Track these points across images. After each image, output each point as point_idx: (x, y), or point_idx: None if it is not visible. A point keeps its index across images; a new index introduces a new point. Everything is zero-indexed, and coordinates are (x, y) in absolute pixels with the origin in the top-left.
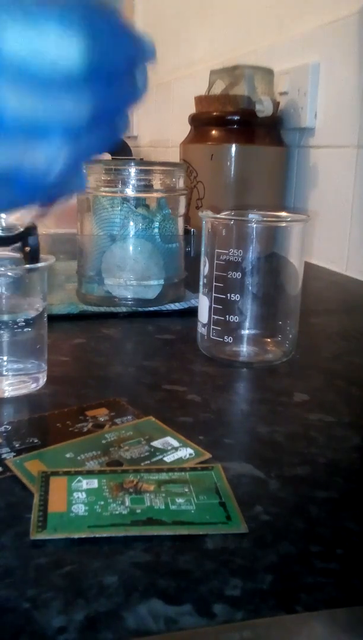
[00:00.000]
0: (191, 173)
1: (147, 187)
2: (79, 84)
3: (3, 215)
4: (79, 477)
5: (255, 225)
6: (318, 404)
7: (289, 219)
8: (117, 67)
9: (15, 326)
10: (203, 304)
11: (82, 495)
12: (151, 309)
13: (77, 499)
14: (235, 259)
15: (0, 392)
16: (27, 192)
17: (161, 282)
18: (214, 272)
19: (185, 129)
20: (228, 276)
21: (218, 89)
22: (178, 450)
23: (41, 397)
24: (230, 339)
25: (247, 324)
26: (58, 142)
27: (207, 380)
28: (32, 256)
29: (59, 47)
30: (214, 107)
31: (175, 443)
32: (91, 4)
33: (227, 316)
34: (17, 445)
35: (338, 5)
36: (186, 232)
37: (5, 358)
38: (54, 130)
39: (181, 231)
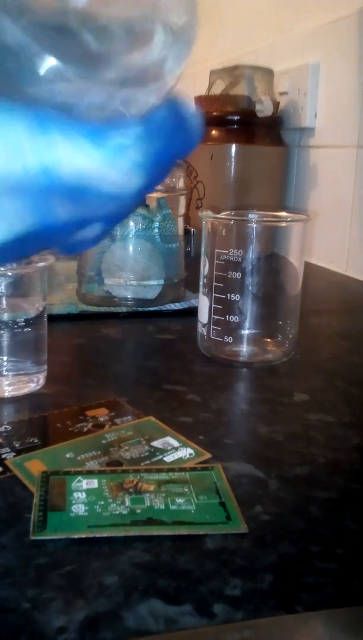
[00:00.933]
0: (191, 173)
1: None
2: (134, 193)
3: None
4: (79, 477)
5: (255, 225)
6: (318, 404)
7: (289, 219)
8: (169, 169)
9: (15, 326)
10: (203, 304)
11: (82, 495)
12: (151, 309)
13: (77, 499)
14: (235, 259)
15: (0, 392)
16: (67, 252)
17: (161, 282)
18: (214, 272)
19: None
20: (228, 276)
21: (218, 89)
22: (178, 450)
23: (41, 397)
24: (230, 339)
25: (247, 324)
26: (100, 227)
27: (207, 380)
28: None
29: (116, 179)
30: (214, 107)
31: (175, 443)
32: (157, 118)
33: (227, 316)
34: (17, 445)
35: (338, 5)
36: (186, 232)
37: (5, 358)
38: (98, 220)
39: (181, 231)
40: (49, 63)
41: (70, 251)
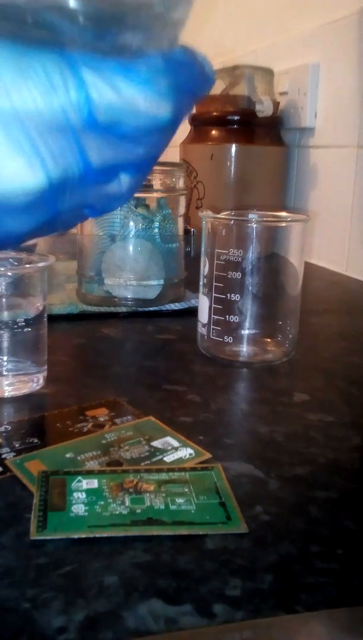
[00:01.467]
0: (191, 173)
1: (147, 187)
2: (159, 134)
3: None
4: (79, 477)
5: (255, 225)
6: (318, 404)
7: (289, 219)
8: (189, 107)
9: (15, 326)
10: (203, 304)
11: (82, 495)
12: (151, 309)
13: (77, 499)
14: (235, 259)
15: (1, 392)
16: (95, 215)
17: (161, 282)
18: (214, 272)
19: (185, 129)
20: (228, 276)
21: (218, 89)
22: (178, 450)
23: (41, 397)
24: (230, 339)
25: (247, 324)
26: (127, 180)
27: (207, 380)
28: None
29: (147, 108)
30: (214, 107)
31: (175, 443)
32: (177, 55)
33: (227, 316)
34: (17, 445)
35: (338, 5)
36: (186, 232)
37: (5, 358)
38: (126, 171)
39: (181, 231)
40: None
41: (100, 211)
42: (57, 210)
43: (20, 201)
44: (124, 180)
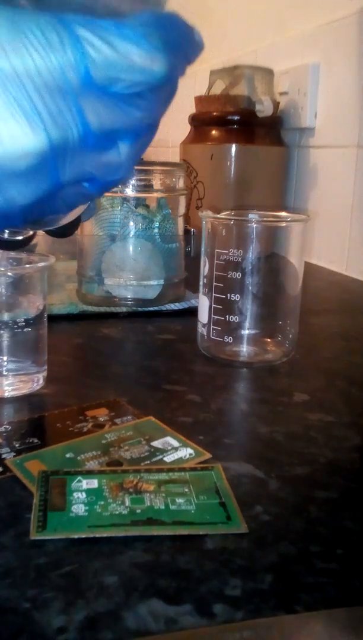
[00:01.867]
0: (191, 173)
1: (147, 187)
2: (153, 94)
3: None
4: (79, 477)
5: (255, 225)
6: (318, 404)
7: (289, 219)
8: (181, 71)
9: (15, 326)
10: (203, 304)
11: (82, 495)
12: (151, 309)
13: (77, 499)
14: (235, 259)
15: (0, 392)
16: (97, 191)
17: (161, 282)
18: (214, 272)
19: (185, 129)
20: (228, 276)
21: (218, 89)
22: (178, 450)
23: (41, 397)
24: (230, 339)
25: (247, 324)
26: (126, 149)
27: (207, 380)
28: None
29: (143, 63)
30: (214, 107)
31: (175, 443)
32: (166, 17)
33: (227, 316)
34: (17, 445)
35: (338, 5)
36: (186, 232)
37: (5, 358)
38: (125, 137)
39: (181, 231)
40: None
41: (100, 184)
42: (58, 179)
43: (21, 164)
44: (123, 149)
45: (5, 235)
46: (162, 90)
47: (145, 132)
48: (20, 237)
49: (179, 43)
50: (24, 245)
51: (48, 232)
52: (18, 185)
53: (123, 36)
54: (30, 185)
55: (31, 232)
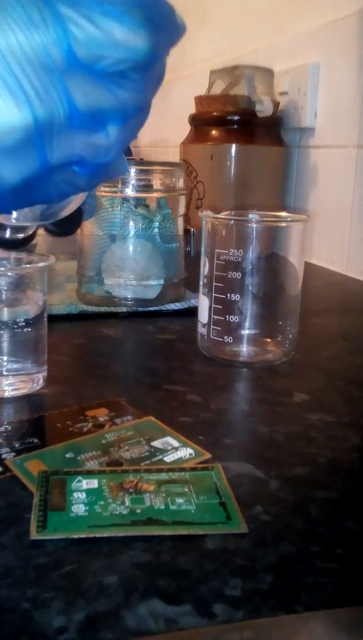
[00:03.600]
0: (191, 173)
1: (147, 187)
2: (139, 74)
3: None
4: (79, 477)
5: (255, 225)
6: (318, 404)
7: (289, 219)
8: (164, 52)
9: (15, 326)
10: (203, 304)
11: (82, 495)
12: (151, 309)
13: (77, 499)
14: (235, 259)
15: (0, 392)
16: (87, 177)
17: (161, 282)
18: (214, 272)
19: (185, 129)
20: (228, 276)
21: (218, 89)
22: (178, 450)
23: (41, 397)
24: (230, 339)
25: (247, 324)
26: (115, 131)
27: (207, 380)
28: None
29: (126, 39)
30: (214, 107)
31: (175, 443)
32: None
33: (227, 316)
34: (17, 445)
35: (338, 5)
36: (186, 232)
37: (5, 358)
38: (112, 120)
39: (181, 231)
40: None
41: (90, 167)
42: (46, 158)
43: (7, 140)
44: (112, 131)
45: (7, 235)
46: (148, 71)
47: (134, 114)
48: (21, 236)
49: (162, 22)
50: (24, 244)
51: (49, 232)
52: (6, 162)
53: (105, 13)
54: (19, 162)
55: (31, 232)
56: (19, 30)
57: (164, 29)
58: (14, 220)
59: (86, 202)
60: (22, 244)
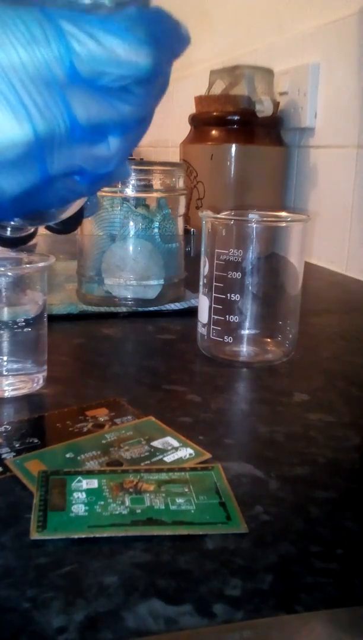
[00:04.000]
0: (191, 173)
1: (147, 187)
2: (141, 88)
3: None
4: (79, 477)
5: (255, 225)
6: (318, 404)
7: (289, 219)
8: (168, 64)
9: (15, 326)
10: (203, 304)
11: (82, 495)
12: (151, 309)
13: (77, 499)
14: (235, 259)
15: (0, 392)
16: (87, 185)
17: (161, 282)
18: (214, 272)
19: (185, 129)
20: (228, 276)
21: (218, 89)
22: (178, 450)
23: (41, 397)
24: (230, 339)
25: (247, 324)
26: (116, 142)
27: (207, 380)
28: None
29: (128, 56)
30: (214, 107)
31: (175, 443)
32: (150, 12)
33: (227, 316)
34: (17, 445)
35: (338, 5)
36: (186, 232)
37: (5, 358)
38: (114, 131)
39: (181, 231)
40: None
41: (91, 177)
42: (46, 170)
43: (8, 154)
44: (113, 143)
45: (8, 233)
46: (150, 84)
47: (135, 126)
48: (21, 235)
49: (165, 37)
50: (24, 242)
51: (49, 229)
52: (6, 175)
53: (108, 30)
54: (19, 176)
55: (32, 230)
56: (21, 46)
57: (168, 44)
58: (14, 221)
59: (88, 199)
60: (22, 242)
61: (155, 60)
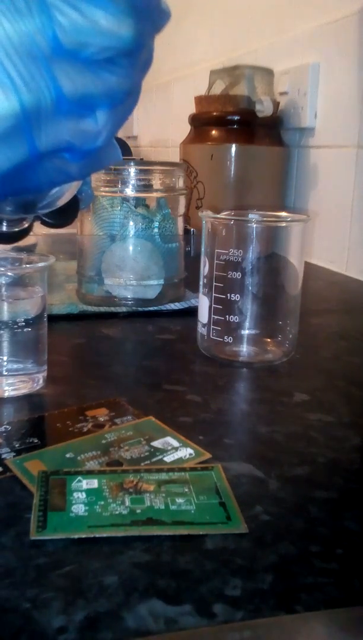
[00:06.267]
0: (191, 173)
1: (147, 187)
2: (126, 59)
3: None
4: (79, 477)
5: (255, 225)
6: (318, 404)
7: (289, 219)
8: (150, 37)
9: (15, 326)
10: (203, 304)
11: (82, 495)
12: (151, 309)
13: (77, 499)
14: (235, 259)
15: (0, 392)
16: (78, 164)
17: (161, 282)
18: (214, 272)
19: (185, 129)
20: (228, 276)
21: (218, 89)
22: (178, 450)
23: (41, 397)
24: (230, 339)
25: (247, 324)
26: (104, 116)
27: (207, 380)
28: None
29: (110, 27)
30: (214, 107)
31: (175, 443)
32: None
33: (227, 316)
34: (17, 445)
35: (338, 5)
36: (186, 232)
37: (5, 358)
38: (101, 105)
39: (181, 231)
40: None
41: (80, 152)
42: (35, 146)
43: None
44: (101, 116)
45: (3, 228)
46: (134, 56)
47: (122, 98)
48: (15, 229)
49: (147, 9)
50: (18, 238)
51: (45, 223)
52: None
53: (90, 1)
54: (7, 149)
55: (27, 224)
56: (4, 18)
57: (149, 16)
58: (8, 209)
59: (82, 190)
60: (17, 238)
61: (137, 31)
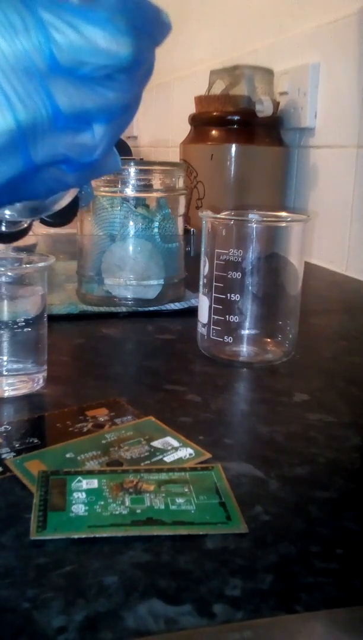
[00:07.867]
0: (191, 173)
1: (147, 187)
2: (124, 75)
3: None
4: (79, 477)
5: (255, 225)
6: (318, 404)
7: (289, 219)
8: (150, 51)
9: (15, 326)
10: (203, 304)
11: (82, 495)
12: (151, 308)
13: (77, 499)
14: (235, 259)
15: (0, 392)
16: (75, 174)
17: (161, 282)
18: (214, 272)
19: (185, 129)
20: (228, 276)
21: (218, 89)
22: (178, 450)
23: (41, 397)
24: (230, 339)
25: (247, 324)
26: (101, 130)
27: (207, 380)
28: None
29: (108, 46)
30: (214, 107)
31: (175, 443)
32: (131, 1)
33: (227, 316)
34: (17, 445)
35: (338, 5)
36: (186, 232)
37: (5, 358)
38: (98, 119)
39: (181, 231)
40: None
41: (77, 165)
42: (31, 160)
43: None
44: (98, 130)
45: (2, 228)
46: (133, 72)
47: (119, 113)
48: (14, 230)
49: (146, 25)
50: (17, 238)
51: (44, 222)
52: None
53: (88, 20)
54: (2, 164)
55: (25, 225)
56: (0, 36)
57: (148, 32)
58: (7, 215)
59: (82, 189)
60: (16, 237)
61: (136, 49)
